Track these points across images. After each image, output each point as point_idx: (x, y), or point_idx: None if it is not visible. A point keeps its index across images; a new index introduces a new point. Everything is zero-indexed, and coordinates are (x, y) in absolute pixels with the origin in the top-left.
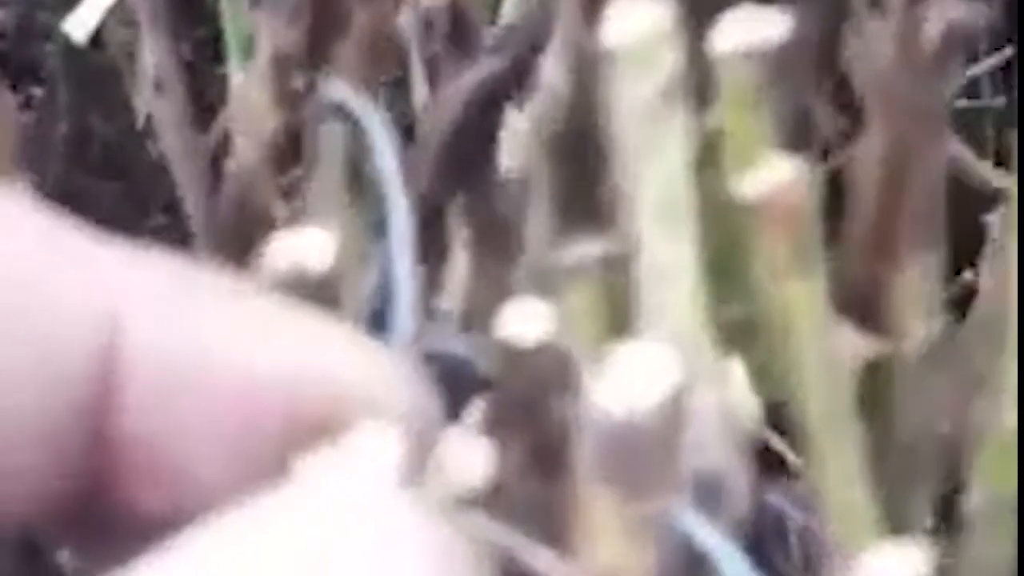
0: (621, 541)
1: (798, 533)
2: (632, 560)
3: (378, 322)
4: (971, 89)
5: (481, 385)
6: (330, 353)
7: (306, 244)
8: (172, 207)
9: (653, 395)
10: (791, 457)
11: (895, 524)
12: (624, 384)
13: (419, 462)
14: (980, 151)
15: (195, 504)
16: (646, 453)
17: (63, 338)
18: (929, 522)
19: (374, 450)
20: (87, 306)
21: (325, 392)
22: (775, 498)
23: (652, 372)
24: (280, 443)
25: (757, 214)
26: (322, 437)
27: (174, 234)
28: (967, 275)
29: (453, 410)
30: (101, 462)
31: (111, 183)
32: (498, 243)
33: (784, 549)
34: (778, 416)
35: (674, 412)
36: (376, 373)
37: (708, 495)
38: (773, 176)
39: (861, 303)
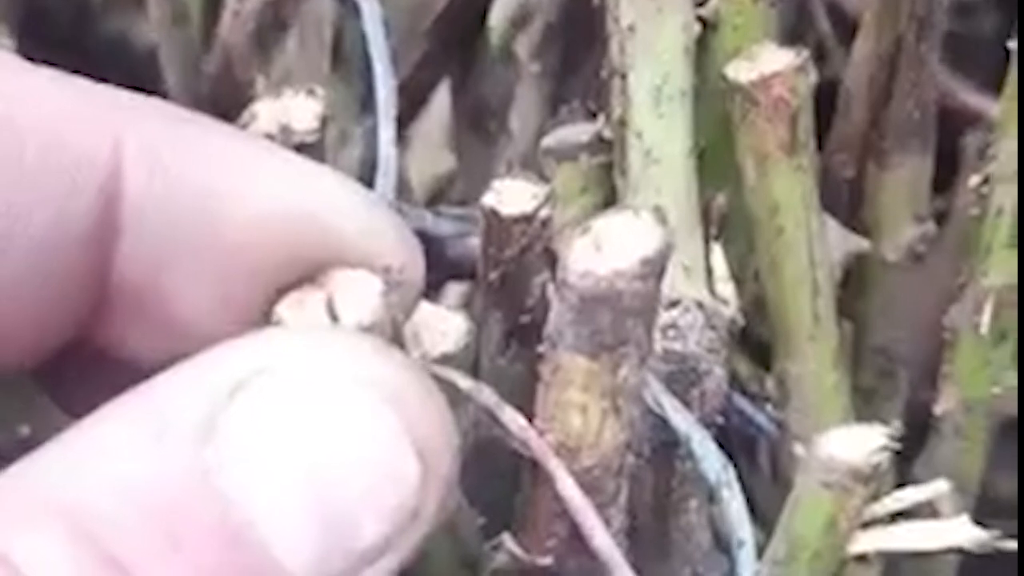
0: (591, 412)
1: (767, 434)
2: (601, 432)
3: None
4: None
5: (455, 265)
6: (327, 198)
7: (292, 107)
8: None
9: (632, 257)
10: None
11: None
12: (604, 248)
13: (401, 316)
14: (967, 75)
15: (180, 349)
16: (622, 316)
17: (68, 175)
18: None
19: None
20: (90, 145)
21: (319, 235)
22: (745, 402)
23: (632, 237)
24: (268, 285)
25: (750, 100)
26: (310, 279)
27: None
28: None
29: (431, 287)
30: (97, 299)
31: (67, 57)
32: (485, 123)
33: (751, 450)
34: (756, 307)
35: (652, 276)
36: (371, 222)
37: (684, 379)
38: (768, 65)
39: (848, 200)
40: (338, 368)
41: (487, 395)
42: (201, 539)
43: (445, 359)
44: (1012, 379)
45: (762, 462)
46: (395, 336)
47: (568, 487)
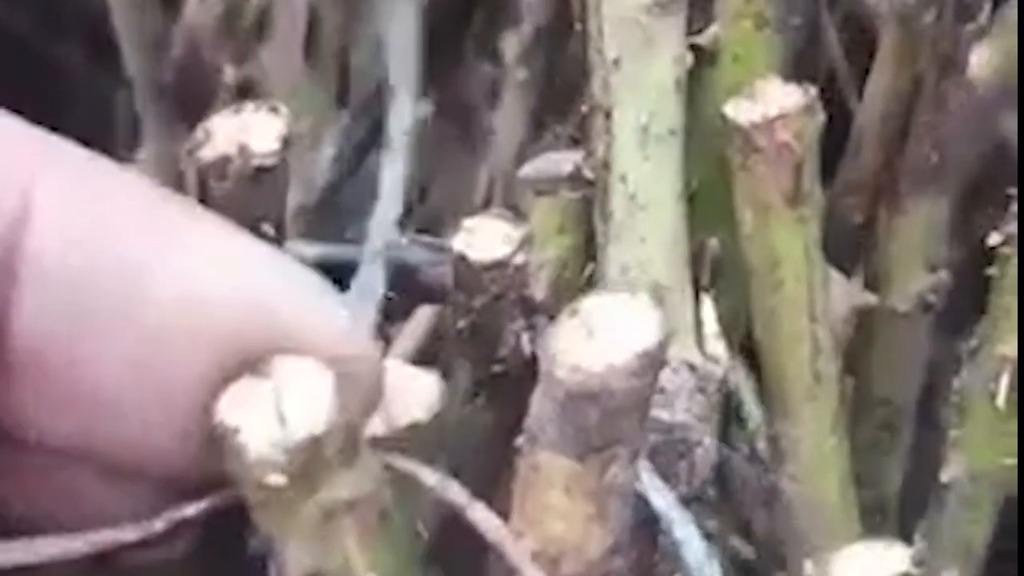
0: (575, 517)
1: (762, 494)
2: (586, 539)
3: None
4: None
5: (431, 294)
6: (268, 279)
7: (252, 123)
8: (89, 36)
9: (628, 350)
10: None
11: (864, 478)
12: (595, 335)
13: (356, 401)
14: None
15: (107, 433)
16: (613, 415)
17: None
18: (899, 478)
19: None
20: None
21: (259, 322)
22: (738, 458)
23: (626, 324)
24: (202, 372)
25: (751, 145)
26: (247, 367)
27: (88, 62)
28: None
29: (401, 315)
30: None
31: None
32: (466, 140)
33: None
34: (750, 363)
35: (650, 370)
36: (312, 309)
37: (670, 451)
38: (772, 103)
39: (854, 250)
40: None
41: (456, 492)
42: None
43: (414, 429)
44: None
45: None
46: (351, 441)
47: None
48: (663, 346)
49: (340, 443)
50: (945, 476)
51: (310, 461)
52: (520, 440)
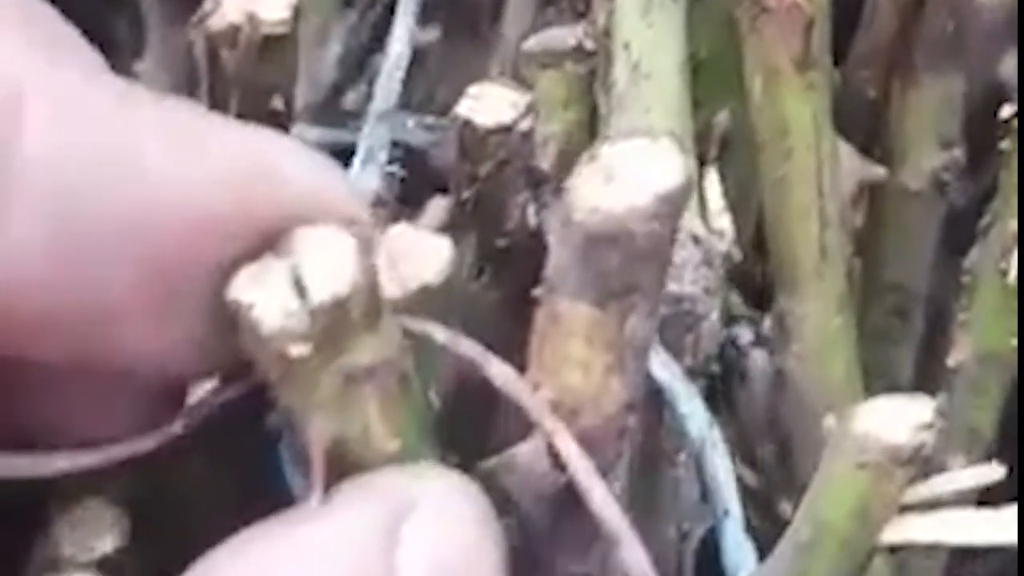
0: (594, 367)
1: (766, 373)
2: (604, 391)
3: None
4: None
5: (438, 178)
6: (270, 154)
7: None
8: None
9: (648, 192)
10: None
11: (874, 367)
12: (615, 179)
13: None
14: None
15: (101, 351)
16: (633, 260)
17: None
18: (910, 368)
19: None
20: None
21: (266, 195)
22: (744, 333)
23: (647, 168)
24: (212, 260)
25: (759, 6)
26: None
27: None
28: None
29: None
30: None
31: None
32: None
33: (749, 390)
34: (756, 239)
35: (670, 215)
36: (319, 178)
37: (677, 323)
38: None
39: (867, 123)
40: (470, 503)
41: (469, 347)
42: None
43: (425, 291)
44: None
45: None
46: (374, 303)
47: (570, 451)
48: (685, 190)
49: (364, 306)
50: (952, 360)
51: (334, 325)
52: (538, 291)
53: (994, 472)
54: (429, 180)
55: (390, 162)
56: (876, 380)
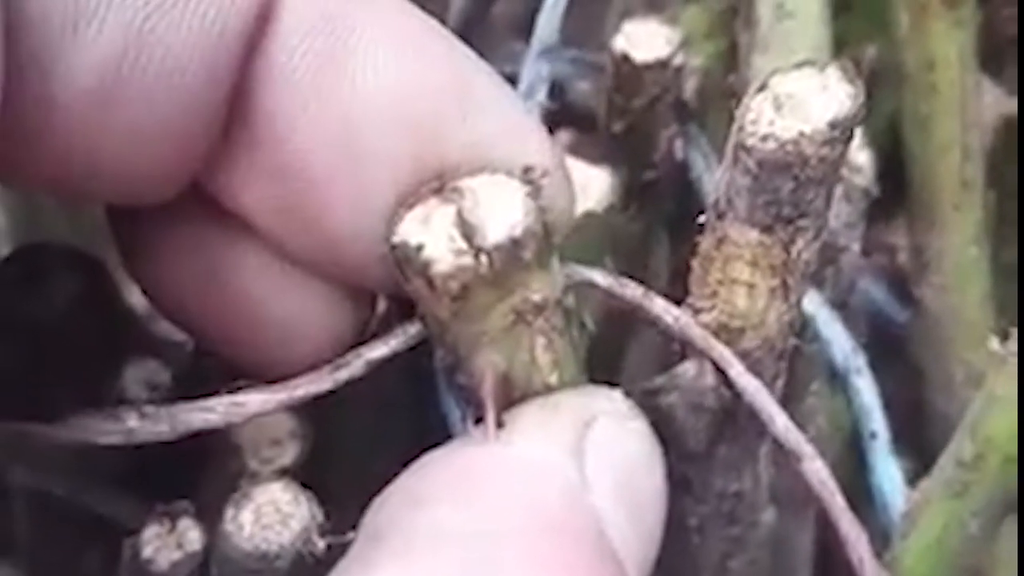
0: (759, 290)
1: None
2: (767, 313)
3: None
4: None
5: (568, 111)
6: (468, 88)
7: None
8: None
9: (819, 119)
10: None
11: (1006, 300)
12: (785, 107)
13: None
14: None
15: (304, 214)
16: (804, 185)
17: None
18: None
19: None
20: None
21: (455, 127)
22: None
23: (816, 96)
24: (393, 171)
25: None
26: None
27: None
28: None
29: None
30: (221, 140)
31: None
32: None
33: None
34: (896, 171)
35: (841, 140)
36: (515, 118)
37: (818, 256)
38: None
39: (1008, 59)
40: (635, 418)
41: (631, 289)
42: (574, 546)
43: (589, 217)
44: None
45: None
46: (546, 245)
47: (740, 374)
48: (855, 117)
49: (536, 247)
50: None
51: (507, 265)
52: (703, 218)
53: None
54: (563, 112)
55: None
56: (1006, 313)
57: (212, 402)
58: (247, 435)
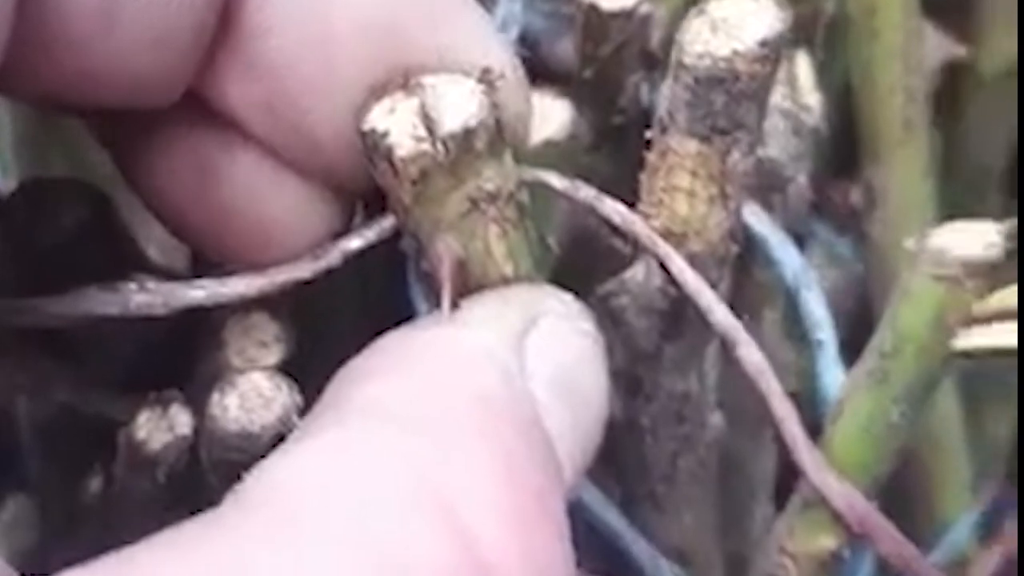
0: (699, 197)
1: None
2: (708, 218)
3: None
4: None
5: (545, 63)
6: (432, 4)
7: None
8: None
9: (750, 39)
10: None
11: None
12: (720, 29)
13: (501, 118)
14: None
15: (277, 107)
16: (737, 99)
17: None
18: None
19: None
20: None
21: (420, 36)
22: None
23: (749, 19)
24: (366, 72)
25: None
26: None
27: None
28: None
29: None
30: (213, 48)
31: None
32: None
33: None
34: (845, 113)
35: (770, 58)
36: (464, 27)
37: (766, 184)
38: None
39: (949, 6)
40: (582, 319)
41: (584, 191)
42: (505, 427)
43: (548, 145)
44: None
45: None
46: (497, 138)
47: (682, 269)
48: (783, 36)
49: (488, 139)
50: None
51: (462, 153)
52: (649, 133)
53: None
54: (538, 66)
55: None
56: None
57: (202, 282)
58: (235, 337)
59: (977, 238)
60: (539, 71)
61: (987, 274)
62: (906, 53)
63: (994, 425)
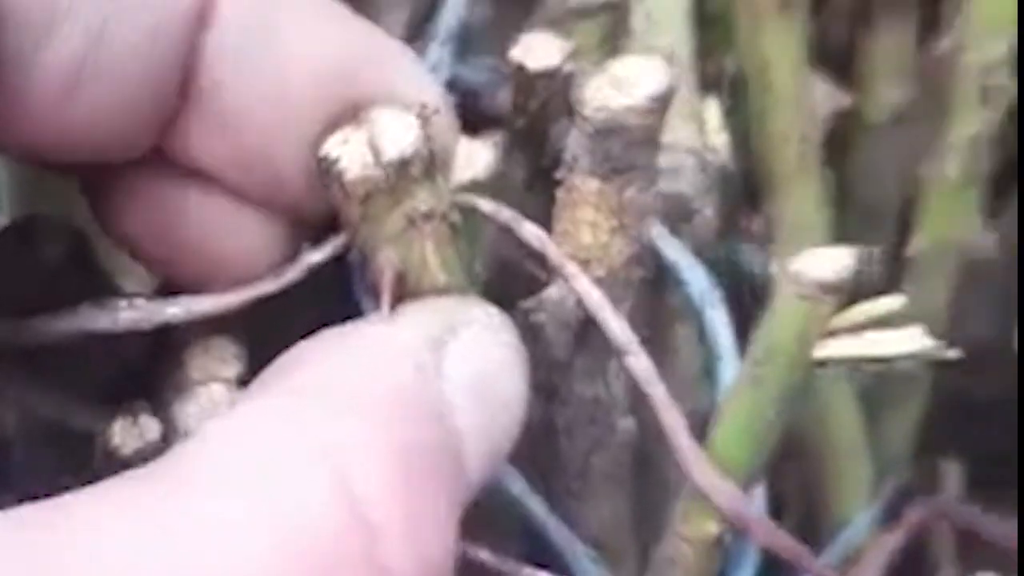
0: (601, 228)
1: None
2: (610, 246)
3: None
4: None
5: (486, 114)
6: (371, 50)
7: None
8: None
9: (641, 94)
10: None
11: None
12: (617, 86)
13: (434, 149)
14: None
15: (239, 161)
16: (630, 145)
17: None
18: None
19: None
20: None
21: (363, 79)
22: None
23: (642, 77)
24: (317, 118)
25: None
26: (352, 118)
27: None
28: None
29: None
30: (179, 105)
31: None
32: None
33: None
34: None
35: (658, 111)
36: (408, 69)
37: (678, 215)
38: None
39: (837, 60)
40: (504, 330)
41: (506, 214)
42: (411, 420)
43: (474, 185)
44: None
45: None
46: (431, 165)
47: (584, 284)
48: (669, 92)
49: (422, 165)
50: (910, 251)
51: (400, 177)
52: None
53: (895, 301)
54: (480, 117)
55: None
56: None
57: (179, 299)
58: (196, 355)
59: (833, 262)
60: (479, 119)
61: (842, 291)
62: (796, 103)
63: (892, 429)
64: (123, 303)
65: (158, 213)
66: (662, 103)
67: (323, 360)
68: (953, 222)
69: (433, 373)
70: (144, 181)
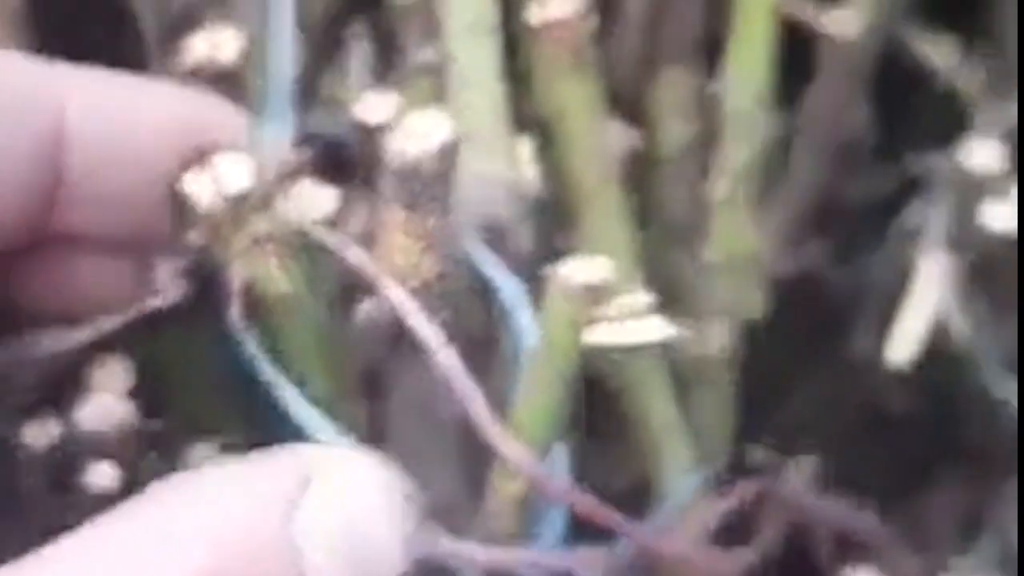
0: (411, 250)
1: None
2: (420, 265)
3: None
4: None
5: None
6: (207, 111)
7: (218, 40)
8: None
9: (433, 142)
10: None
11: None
12: (413, 136)
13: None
14: None
15: (128, 223)
16: (428, 183)
17: (24, 112)
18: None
19: None
20: (43, 95)
21: (203, 134)
22: None
23: (434, 129)
24: (170, 169)
25: (540, 37)
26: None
27: None
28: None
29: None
30: (55, 192)
31: None
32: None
33: None
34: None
35: (449, 154)
36: (236, 122)
37: (492, 239)
38: (553, 11)
39: (628, 104)
40: (368, 475)
41: (334, 239)
42: (263, 559)
43: (322, 221)
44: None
45: None
46: (266, 198)
47: (398, 295)
48: (456, 141)
49: (259, 197)
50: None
51: (241, 207)
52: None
53: (642, 298)
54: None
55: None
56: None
57: (81, 327)
58: (94, 370)
59: (594, 268)
60: (346, 166)
61: (599, 292)
62: (591, 147)
63: (704, 413)
64: (40, 334)
65: (45, 274)
66: (453, 148)
67: (176, 498)
68: (734, 237)
69: (285, 525)
70: (25, 254)
